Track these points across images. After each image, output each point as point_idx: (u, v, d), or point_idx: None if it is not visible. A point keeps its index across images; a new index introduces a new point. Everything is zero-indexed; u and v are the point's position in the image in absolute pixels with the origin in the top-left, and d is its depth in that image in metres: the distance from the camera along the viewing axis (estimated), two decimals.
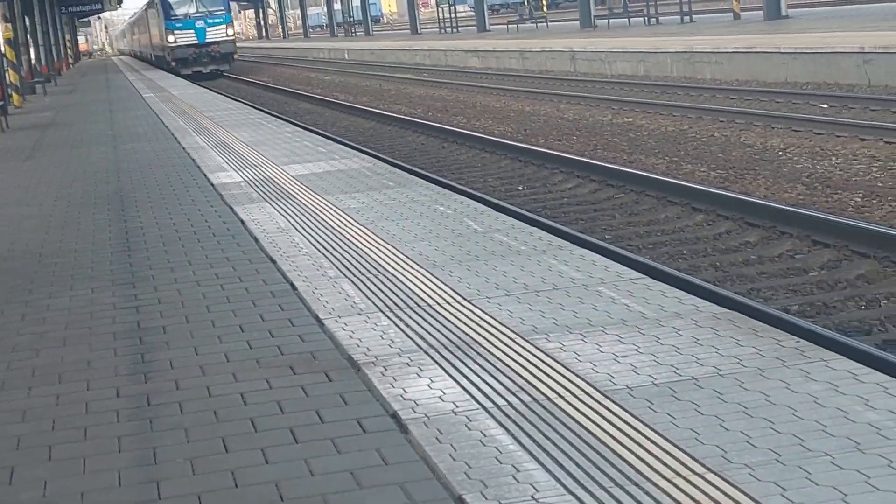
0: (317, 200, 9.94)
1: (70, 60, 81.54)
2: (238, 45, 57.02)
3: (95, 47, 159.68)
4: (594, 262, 6.66)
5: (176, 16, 51.12)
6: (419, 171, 15.25)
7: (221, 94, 32.49)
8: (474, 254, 7.15)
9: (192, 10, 51.08)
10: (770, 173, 13.40)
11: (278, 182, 11.36)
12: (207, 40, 50.94)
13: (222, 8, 51.96)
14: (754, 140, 16.02)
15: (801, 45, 22.83)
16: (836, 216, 10.25)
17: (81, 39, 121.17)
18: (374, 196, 9.89)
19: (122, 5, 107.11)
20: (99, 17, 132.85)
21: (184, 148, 15.53)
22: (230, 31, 52.26)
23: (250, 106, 26.44)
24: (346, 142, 19.17)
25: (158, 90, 32.79)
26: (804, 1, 44.70)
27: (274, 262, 7.52)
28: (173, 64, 50.68)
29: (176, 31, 50.83)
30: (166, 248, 8.43)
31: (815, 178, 12.76)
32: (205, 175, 12.46)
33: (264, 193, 10.66)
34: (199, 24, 50.88)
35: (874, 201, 11.21)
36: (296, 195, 10.38)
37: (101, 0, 75.05)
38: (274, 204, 9.97)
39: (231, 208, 9.98)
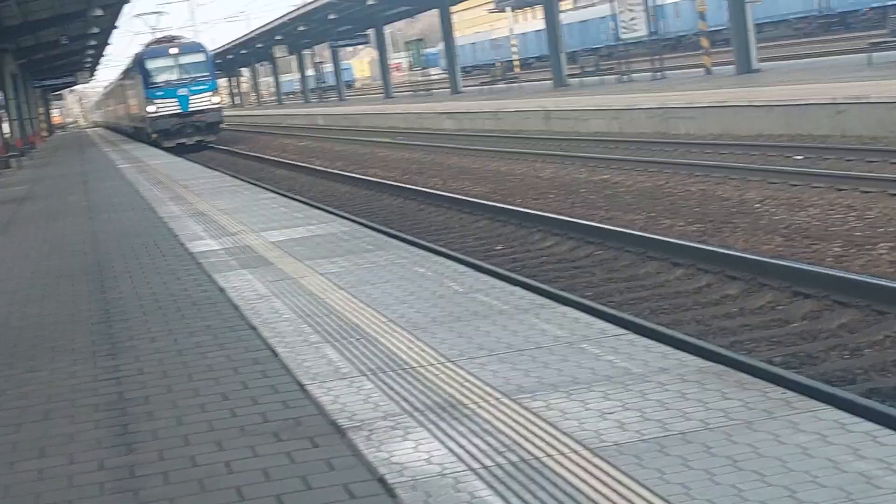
0: (296, 266, 9.91)
1: (44, 133, 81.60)
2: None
3: (69, 120, 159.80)
4: (577, 320, 6.64)
5: (156, 83, 47.22)
6: (397, 233, 15.26)
7: (197, 162, 32.49)
8: (456, 315, 7.13)
9: (174, 76, 47.22)
10: (748, 225, 13.45)
11: (257, 249, 11.33)
12: (191, 109, 46.97)
13: (207, 74, 47.97)
14: (731, 193, 16.09)
15: (773, 97, 23.02)
16: (815, 266, 10.27)
17: (55, 112, 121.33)
18: (354, 260, 9.87)
19: (94, 77, 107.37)
20: (72, 90, 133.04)
21: (161, 217, 15.49)
22: (216, 99, 48.37)
23: (226, 174, 26.45)
24: (324, 207, 19.17)
25: (133, 161, 32.79)
26: (774, 55, 45.10)
27: (255, 329, 7.48)
28: (154, 136, 46.94)
29: (157, 101, 46.92)
30: (146, 318, 8.38)
31: (793, 229, 12.81)
32: (182, 244, 12.42)
33: (243, 261, 10.62)
34: (182, 91, 46.98)
35: (853, 251, 11.26)
36: (275, 261, 10.34)
37: (74, 72, 75.28)
38: (253, 271, 9.93)
39: (210, 276, 9.93)
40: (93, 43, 61.75)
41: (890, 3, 54.40)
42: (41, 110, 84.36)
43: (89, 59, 78.04)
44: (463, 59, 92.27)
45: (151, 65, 47.62)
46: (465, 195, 19.77)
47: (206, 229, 13.55)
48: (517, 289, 7.86)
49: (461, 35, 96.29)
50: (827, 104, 21.00)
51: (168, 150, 42.08)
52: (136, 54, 50.84)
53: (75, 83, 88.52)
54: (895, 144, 18.29)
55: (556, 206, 17.39)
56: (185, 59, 47.59)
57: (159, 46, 48.71)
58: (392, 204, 20.61)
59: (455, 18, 63.22)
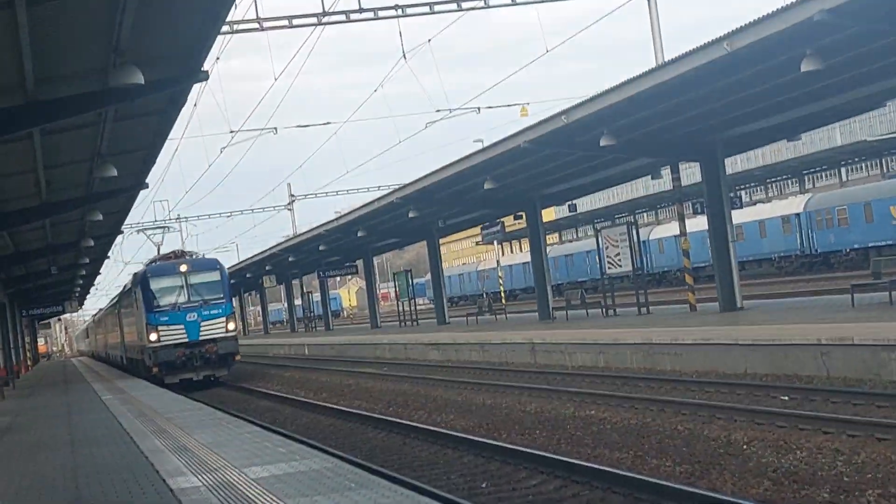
0: None
1: (29, 363, 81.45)
2: None
3: (55, 349, 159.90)
4: None
5: (160, 307, 39.41)
6: (380, 469, 15.07)
7: (180, 394, 32.39)
8: None
9: (183, 298, 39.54)
10: (736, 468, 13.32)
11: (238, 486, 11.17)
12: (202, 338, 39.08)
13: (221, 296, 40.17)
14: (718, 433, 15.99)
15: (758, 336, 23.10)
16: None
17: (40, 341, 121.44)
18: (336, 499, 9.73)
19: (82, 307, 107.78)
20: (59, 319, 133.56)
21: (142, 451, 15.33)
22: (232, 326, 40.21)
23: (209, 406, 26.29)
24: (306, 440, 19.00)
25: (118, 392, 32.65)
26: (757, 292, 45.65)
27: None
28: (155, 370, 38.93)
29: (160, 328, 39.12)
30: None
31: (782, 473, 12.68)
32: (163, 480, 12.25)
33: (224, 498, 10.46)
34: (192, 317, 39.23)
35: (842, 496, 11.12)
36: (256, 499, 10.19)
37: (63, 301, 75.70)
38: None
39: None
40: (83, 273, 62.28)
41: (871, 245, 55.45)
42: (27, 339, 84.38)
43: (78, 289, 78.60)
44: (450, 289, 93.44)
45: (156, 284, 40.07)
46: (450, 429, 19.63)
47: (187, 464, 13.39)
48: None
49: (448, 266, 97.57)
50: (811, 345, 21.06)
51: (172, 386, 37.00)
52: (138, 273, 43.89)
53: (63, 312, 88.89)
54: (880, 387, 18.28)
55: (542, 443, 17.26)
56: (196, 279, 40.03)
57: (166, 263, 41.52)
58: (376, 437, 20.44)
59: (443, 249, 64.13)
